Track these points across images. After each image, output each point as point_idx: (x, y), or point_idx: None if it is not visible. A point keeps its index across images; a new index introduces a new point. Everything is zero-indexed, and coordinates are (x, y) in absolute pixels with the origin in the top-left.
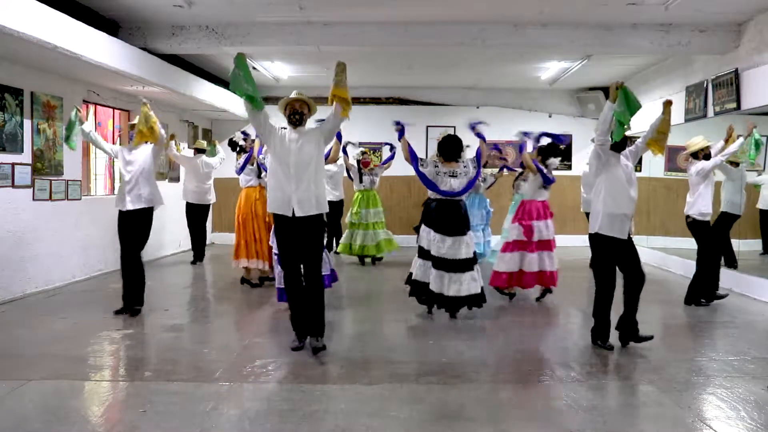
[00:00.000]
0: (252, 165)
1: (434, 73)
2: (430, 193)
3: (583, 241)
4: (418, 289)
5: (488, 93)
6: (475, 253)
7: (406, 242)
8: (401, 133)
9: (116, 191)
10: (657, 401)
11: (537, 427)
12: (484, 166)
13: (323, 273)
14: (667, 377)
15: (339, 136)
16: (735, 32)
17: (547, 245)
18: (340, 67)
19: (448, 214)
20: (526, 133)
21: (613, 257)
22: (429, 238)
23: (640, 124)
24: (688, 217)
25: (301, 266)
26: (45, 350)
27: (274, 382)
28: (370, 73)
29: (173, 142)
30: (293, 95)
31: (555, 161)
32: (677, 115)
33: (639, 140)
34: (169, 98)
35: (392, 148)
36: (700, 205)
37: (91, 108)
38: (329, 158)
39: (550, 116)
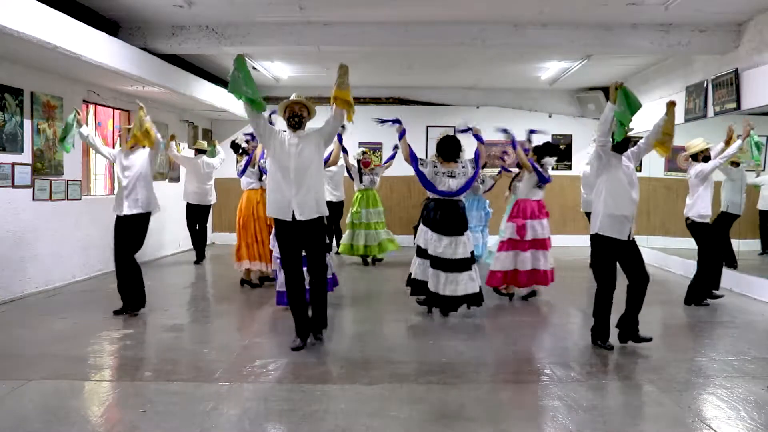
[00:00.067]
0: (253, 168)
1: (434, 73)
2: (429, 193)
3: (583, 241)
4: (418, 288)
5: (488, 93)
6: (472, 253)
7: (407, 242)
8: (402, 133)
9: (115, 193)
10: (657, 401)
11: (537, 427)
12: (483, 168)
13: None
14: (667, 377)
15: (340, 138)
16: (735, 32)
17: (541, 244)
18: (343, 69)
19: (446, 214)
20: (504, 130)
21: (614, 258)
22: (426, 237)
23: (642, 124)
24: (687, 218)
25: (304, 268)
26: (45, 350)
27: (274, 382)
28: (370, 73)
29: (174, 143)
30: (293, 97)
31: (551, 160)
32: (677, 115)
33: (641, 141)
34: (169, 98)
35: (395, 147)
36: (699, 206)
37: (91, 108)
38: (329, 162)
39: (550, 116)
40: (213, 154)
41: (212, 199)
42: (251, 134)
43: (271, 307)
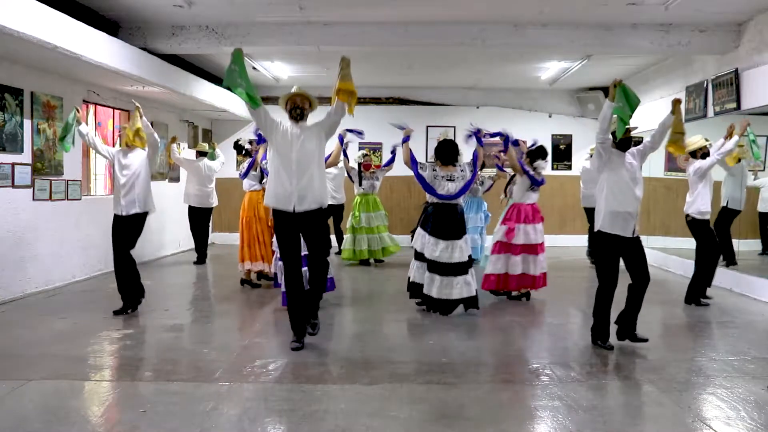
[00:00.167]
0: (255, 171)
1: (434, 73)
2: (428, 197)
3: (583, 240)
4: (417, 291)
5: (488, 93)
6: (470, 256)
7: (407, 242)
8: (406, 138)
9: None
10: (657, 401)
11: (537, 427)
12: (482, 169)
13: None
14: (667, 377)
15: (341, 140)
16: (735, 32)
17: (532, 249)
18: (345, 61)
19: (444, 218)
20: (499, 135)
21: (617, 256)
22: (423, 241)
23: (645, 123)
24: (687, 215)
25: (304, 269)
26: (45, 350)
27: (274, 382)
28: (370, 73)
29: (175, 145)
30: (294, 90)
31: (543, 163)
32: None
33: (647, 140)
34: (169, 98)
35: (393, 150)
36: (699, 204)
37: (91, 108)
38: (329, 162)
39: (550, 116)
40: (213, 157)
41: (214, 201)
42: (258, 136)
43: (271, 307)
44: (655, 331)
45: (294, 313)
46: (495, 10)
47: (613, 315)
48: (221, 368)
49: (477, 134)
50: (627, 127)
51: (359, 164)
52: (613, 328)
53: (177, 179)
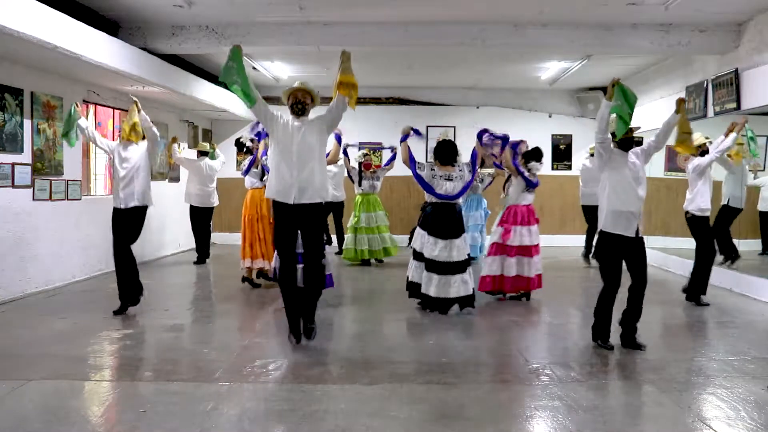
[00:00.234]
0: (256, 168)
1: (434, 73)
2: (427, 197)
3: (582, 241)
4: (415, 291)
5: (488, 93)
6: (469, 255)
7: (407, 242)
8: (405, 137)
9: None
10: (657, 401)
11: (537, 427)
12: (481, 167)
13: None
14: (667, 377)
15: (339, 139)
16: (735, 32)
17: (527, 251)
18: (345, 55)
19: (443, 218)
20: (415, 130)
21: (619, 256)
22: (423, 240)
23: (647, 123)
24: (687, 212)
25: (299, 266)
26: (45, 350)
27: (274, 382)
28: (370, 73)
29: (176, 145)
30: (296, 85)
31: (537, 165)
32: None
33: (651, 139)
34: (169, 98)
35: (393, 149)
36: (699, 201)
37: (91, 108)
38: (328, 160)
39: (550, 116)
40: (213, 157)
41: (215, 201)
42: (259, 133)
43: (271, 307)
44: (655, 331)
45: (289, 305)
46: (495, 10)
47: (616, 315)
48: (221, 368)
49: (482, 134)
50: (630, 127)
51: (360, 164)
52: (615, 330)
53: (177, 179)
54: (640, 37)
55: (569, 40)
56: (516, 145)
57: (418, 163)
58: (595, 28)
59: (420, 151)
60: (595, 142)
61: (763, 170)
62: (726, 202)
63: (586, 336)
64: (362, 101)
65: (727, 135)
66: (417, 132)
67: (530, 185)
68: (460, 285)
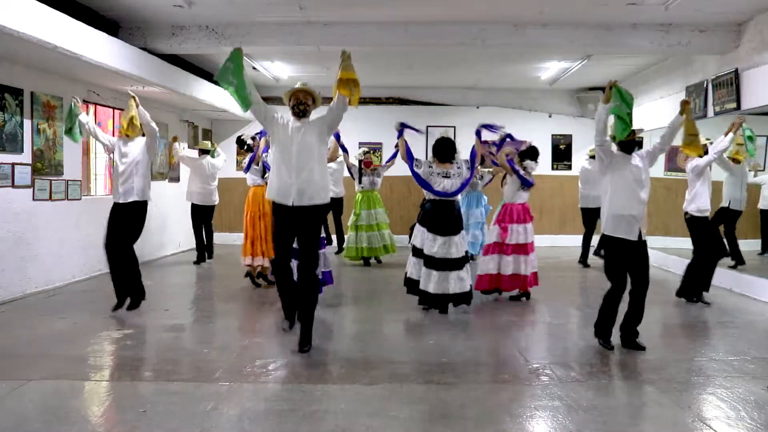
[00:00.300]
0: (257, 165)
1: (434, 73)
2: (426, 194)
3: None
4: (413, 287)
5: (488, 93)
6: (467, 252)
7: (407, 241)
8: (400, 132)
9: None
10: (657, 401)
11: (537, 427)
12: (481, 164)
13: (324, 270)
14: (667, 377)
15: (337, 136)
16: (735, 32)
17: (523, 249)
18: (346, 54)
19: (441, 215)
20: (405, 124)
21: (623, 259)
22: (422, 237)
23: (649, 124)
24: (686, 213)
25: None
26: (45, 350)
27: (274, 382)
28: (370, 73)
29: (177, 144)
30: (298, 86)
31: (532, 164)
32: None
33: (657, 141)
34: (169, 98)
35: (396, 146)
36: (698, 201)
37: (92, 108)
38: (327, 157)
39: (550, 116)
40: (214, 155)
41: (216, 199)
42: (260, 132)
43: (271, 307)
44: (655, 331)
45: (284, 299)
46: (495, 10)
47: (619, 318)
48: (221, 368)
49: (480, 131)
50: (632, 129)
51: (360, 161)
52: (616, 330)
53: (177, 179)
54: (640, 37)
55: (569, 40)
56: (514, 140)
57: (416, 160)
58: (595, 28)
59: (420, 151)
60: (595, 146)
61: (763, 169)
62: (727, 205)
63: (586, 336)
64: (362, 101)
65: (726, 134)
66: (407, 125)
67: (526, 184)
68: (457, 281)
